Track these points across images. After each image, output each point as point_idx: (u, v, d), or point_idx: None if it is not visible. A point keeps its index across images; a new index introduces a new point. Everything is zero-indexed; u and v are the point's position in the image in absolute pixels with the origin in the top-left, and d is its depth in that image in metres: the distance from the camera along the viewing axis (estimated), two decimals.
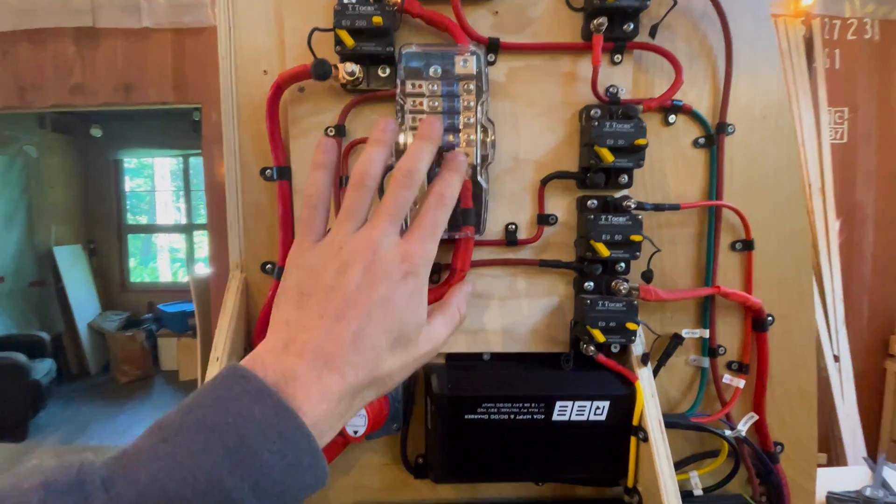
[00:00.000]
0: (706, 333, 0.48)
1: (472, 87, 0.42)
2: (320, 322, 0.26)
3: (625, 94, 0.45)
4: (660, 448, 0.42)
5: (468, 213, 0.42)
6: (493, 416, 0.43)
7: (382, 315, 0.27)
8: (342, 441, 0.45)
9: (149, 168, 4.35)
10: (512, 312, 0.47)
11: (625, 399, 0.44)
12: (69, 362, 3.43)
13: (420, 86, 0.41)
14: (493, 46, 0.43)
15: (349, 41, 0.40)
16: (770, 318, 0.49)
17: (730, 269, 0.49)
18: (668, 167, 0.48)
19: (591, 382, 0.45)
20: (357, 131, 0.44)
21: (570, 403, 0.44)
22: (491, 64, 0.44)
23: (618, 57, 0.45)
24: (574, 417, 0.44)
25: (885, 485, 0.86)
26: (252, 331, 0.47)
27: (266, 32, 0.45)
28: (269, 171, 0.45)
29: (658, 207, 0.45)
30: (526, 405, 0.43)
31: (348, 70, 0.41)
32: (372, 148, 0.31)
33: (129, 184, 4.18)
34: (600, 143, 0.41)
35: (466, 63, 0.41)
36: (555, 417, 0.44)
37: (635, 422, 0.44)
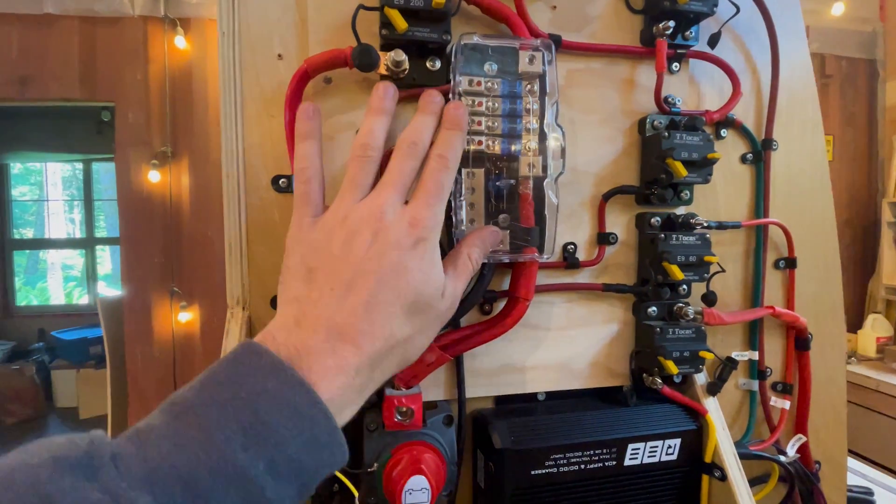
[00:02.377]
0: (755, 355, 0.46)
1: (536, 87, 0.36)
2: (331, 294, 0.25)
3: (680, 105, 0.42)
4: (741, 487, 0.38)
5: (531, 232, 0.36)
6: (562, 469, 0.37)
7: (395, 281, 0.26)
8: None
9: (37, 174, 3.76)
10: (570, 344, 0.41)
11: (695, 434, 0.40)
12: None
13: (479, 83, 0.35)
14: (554, 42, 0.38)
15: (401, 24, 0.33)
16: (810, 337, 0.48)
17: (772, 288, 0.48)
18: (718, 183, 0.45)
19: (658, 418, 0.40)
20: (397, 133, 0.37)
21: (642, 445, 0.39)
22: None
23: (676, 66, 0.42)
24: (646, 459, 0.39)
25: None
26: None
27: (281, 6, 0.36)
28: (283, 179, 0.36)
29: (722, 226, 0.42)
30: (597, 452, 0.38)
31: (396, 59, 0.33)
32: (372, 118, 0.30)
33: (12, 192, 3.58)
34: (675, 155, 0.38)
35: (533, 61, 0.36)
36: (627, 462, 0.39)
37: (707, 458, 0.40)
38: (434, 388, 0.39)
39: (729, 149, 0.45)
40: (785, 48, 0.46)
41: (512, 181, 0.36)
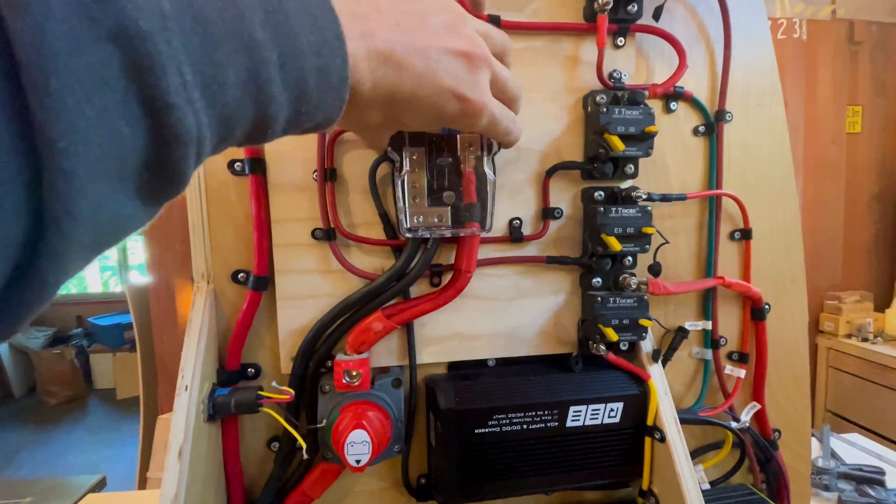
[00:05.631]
0: (708, 325, 0.48)
1: None
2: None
3: (627, 80, 0.43)
4: (678, 448, 0.40)
5: (473, 207, 0.38)
6: (504, 428, 0.40)
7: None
8: (336, 469, 0.40)
9: None
10: (518, 314, 0.43)
11: (638, 398, 0.42)
12: None
13: None
14: (492, 24, 0.40)
15: None
16: (767, 307, 0.48)
17: (728, 259, 0.48)
18: (669, 156, 0.46)
19: (602, 383, 0.42)
20: None
21: (584, 408, 0.41)
22: None
23: (621, 40, 0.42)
24: (588, 422, 0.41)
25: (833, 454, 0.92)
26: (223, 351, 0.40)
27: None
28: (238, 163, 0.39)
29: (666, 198, 0.43)
30: (539, 413, 0.40)
31: None
32: None
33: None
34: (611, 130, 0.39)
35: None
36: (569, 423, 0.41)
37: (650, 421, 0.42)
38: (387, 354, 0.42)
39: (680, 122, 0.46)
40: (739, 18, 0.46)
41: (451, 159, 0.38)
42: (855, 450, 0.97)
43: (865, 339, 2.19)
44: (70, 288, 3.83)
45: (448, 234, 0.38)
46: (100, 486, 1.36)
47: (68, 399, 3.13)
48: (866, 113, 2.46)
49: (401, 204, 0.37)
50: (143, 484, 1.88)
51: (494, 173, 0.38)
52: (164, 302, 2.27)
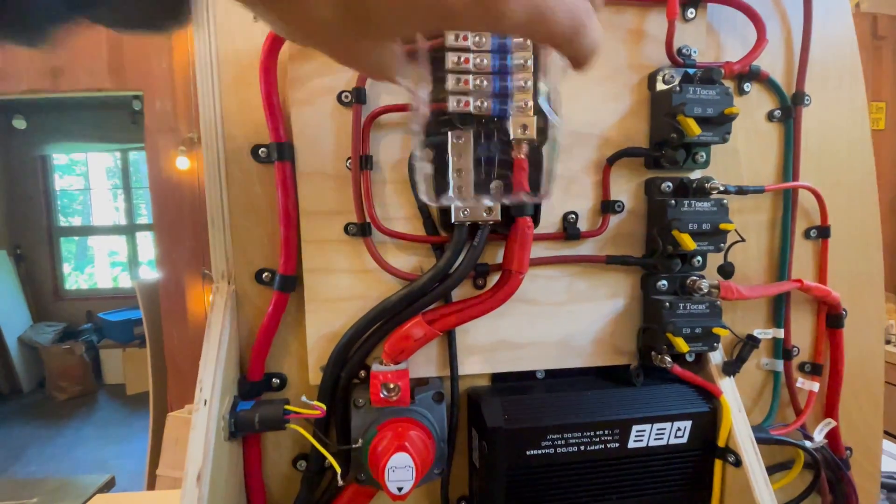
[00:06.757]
0: (780, 333, 0.43)
1: (528, 42, 0.33)
2: None
3: (696, 57, 0.38)
4: (757, 473, 0.36)
5: (522, 204, 0.34)
6: (559, 450, 0.35)
7: None
8: (369, 492, 0.36)
9: (82, 164, 3.94)
10: (571, 320, 0.39)
11: (707, 416, 0.38)
12: None
13: (465, 38, 0.32)
14: None
15: None
16: (844, 313, 0.43)
17: (801, 259, 0.43)
18: (741, 143, 0.41)
19: (667, 399, 0.38)
20: (379, 97, 0.35)
21: (648, 427, 0.36)
22: None
23: (691, 12, 0.38)
24: (653, 442, 0.37)
25: None
26: (245, 359, 0.36)
27: None
28: (263, 149, 0.35)
29: (742, 190, 0.38)
30: (598, 433, 0.36)
31: None
32: None
33: (59, 182, 3.77)
34: (687, 111, 0.34)
35: None
36: (631, 444, 0.36)
37: (721, 442, 0.37)
38: (426, 364, 0.37)
39: (753, 105, 0.41)
40: None
41: (503, 144, 0.34)
42: (885, 457, 0.92)
43: (889, 342, 2.12)
44: (80, 283, 3.84)
45: (505, 201, 0.33)
46: (108, 486, 1.33)
47: (77, 394, 3.12)
48: (890, 109, 2.37)
49: (449, 194, 0.33)
50: (152, 481, 1.86)
51: (557, 114, 0.33)
52: (173, 298, 2.25)
